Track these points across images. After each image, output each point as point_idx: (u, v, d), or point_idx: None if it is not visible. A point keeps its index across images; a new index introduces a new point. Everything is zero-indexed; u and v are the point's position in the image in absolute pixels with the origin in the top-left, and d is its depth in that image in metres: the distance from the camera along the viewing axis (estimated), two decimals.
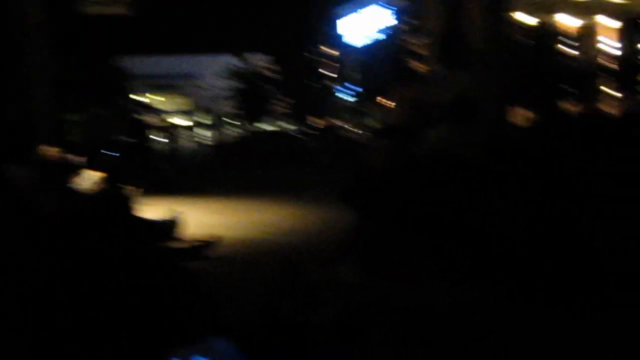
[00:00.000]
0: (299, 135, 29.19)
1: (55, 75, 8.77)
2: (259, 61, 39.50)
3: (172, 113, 39.82)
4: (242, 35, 37.93)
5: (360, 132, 28.51)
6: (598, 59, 25.69)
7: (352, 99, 35.70)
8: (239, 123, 39.88)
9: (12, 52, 4.11)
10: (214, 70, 39.82)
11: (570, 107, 14.71)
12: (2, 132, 4.75)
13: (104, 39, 13.60)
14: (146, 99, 34.58)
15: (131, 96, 24.62)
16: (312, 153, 22.80)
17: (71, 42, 10.67)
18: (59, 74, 9.36)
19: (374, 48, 33.45)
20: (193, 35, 40.67)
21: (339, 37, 38.20)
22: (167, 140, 23.00)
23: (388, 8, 32.43)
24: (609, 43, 26.29)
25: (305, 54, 39.52)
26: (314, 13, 37.50)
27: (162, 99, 40.53)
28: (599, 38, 26.50)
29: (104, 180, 5.20)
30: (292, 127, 36.96)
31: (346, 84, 36.62)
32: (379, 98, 16.41)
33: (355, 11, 36.23)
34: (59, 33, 9.28)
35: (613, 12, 26.35)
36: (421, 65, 6.66)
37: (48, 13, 8.23)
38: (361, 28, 35.74)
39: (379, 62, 29.48)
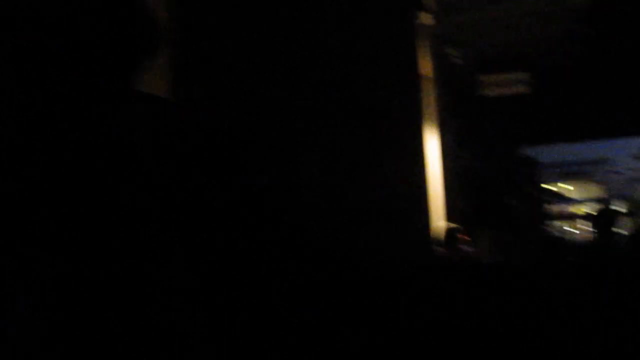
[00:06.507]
0: None
1: (459, 164, 9.20)
2: None
3: (584, 201, 37.90)
4: None
5: None
6: None
7: None
8: None
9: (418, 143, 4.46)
10: (630, 153, 36.74)
11: None
12: None
13: (512, 127, 13.84)
14: (556, 187, 33.72)
15: (541, 185, 24.36)
16: None
17: (476, 129, 11.13)
18: (464, 162, 9.78)
19: None
20: (604, 118, 38.82)
21: None
22: (577, 231, 21.95)
23: None
24: None
25: None
26: None
27: (572, 187, 38.94)
28: None
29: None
30: None
31: None
32: None
33: None
34: (460, 122, 9.78)
35: None
36: None
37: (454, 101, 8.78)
38: None
39: None
